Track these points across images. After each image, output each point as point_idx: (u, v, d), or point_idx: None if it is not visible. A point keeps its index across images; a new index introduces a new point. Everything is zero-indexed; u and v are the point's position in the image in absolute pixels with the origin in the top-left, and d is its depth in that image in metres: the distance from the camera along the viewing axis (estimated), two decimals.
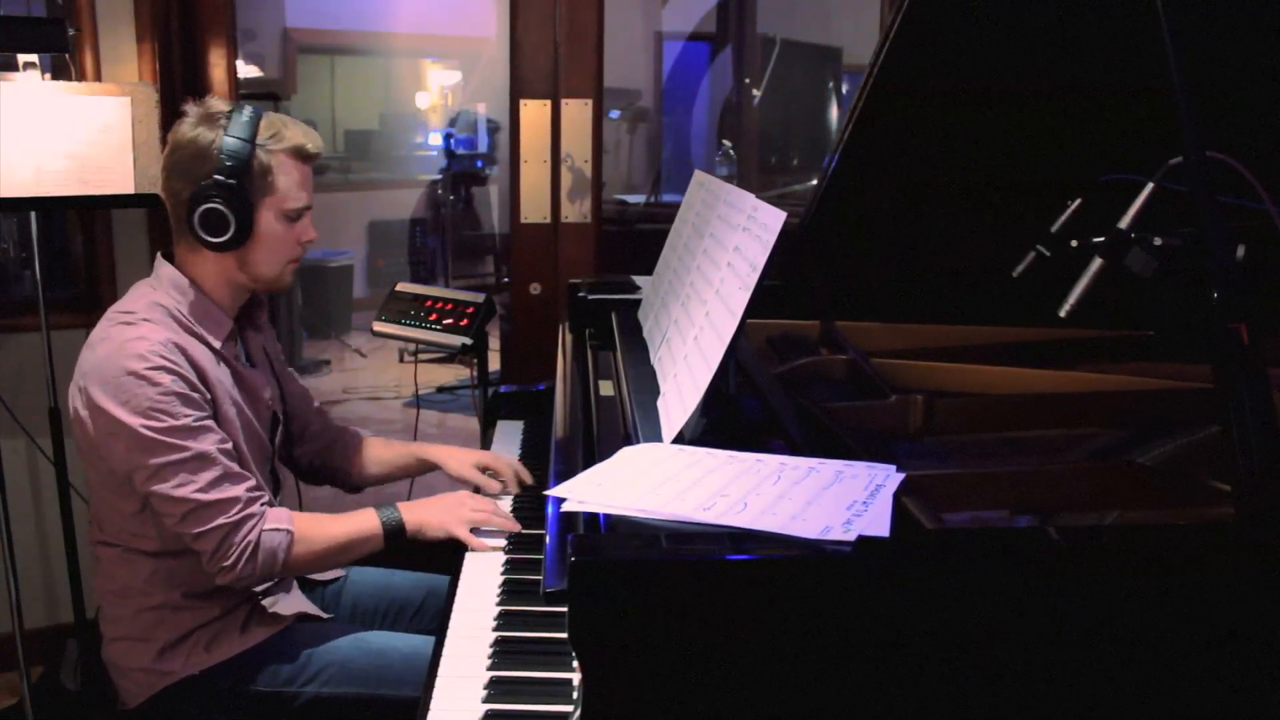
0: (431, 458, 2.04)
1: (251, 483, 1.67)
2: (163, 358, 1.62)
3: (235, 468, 1.66)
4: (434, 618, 1.92)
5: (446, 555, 1.73)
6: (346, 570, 2.02)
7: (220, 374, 1.72)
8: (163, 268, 1.75)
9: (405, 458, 2.07)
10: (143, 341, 1.62)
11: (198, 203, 1.67)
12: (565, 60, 2.82)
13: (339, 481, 2.08)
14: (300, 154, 1.72)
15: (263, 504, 1.67)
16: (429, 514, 1.76)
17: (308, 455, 2.04)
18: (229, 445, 1.67)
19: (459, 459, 2.00)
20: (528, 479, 1.96)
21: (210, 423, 1.66)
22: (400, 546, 1.78)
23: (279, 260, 1.75)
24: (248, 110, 1.70)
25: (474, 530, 1.74)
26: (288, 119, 1.75)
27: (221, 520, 1.61)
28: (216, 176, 1.66)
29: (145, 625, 1.71)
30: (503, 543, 1.72)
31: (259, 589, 1.80)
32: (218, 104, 1.72)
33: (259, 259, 1.73)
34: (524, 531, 1.75)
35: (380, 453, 2.07)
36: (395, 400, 5.41)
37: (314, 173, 1.79)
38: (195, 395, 1.64)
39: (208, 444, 1.63)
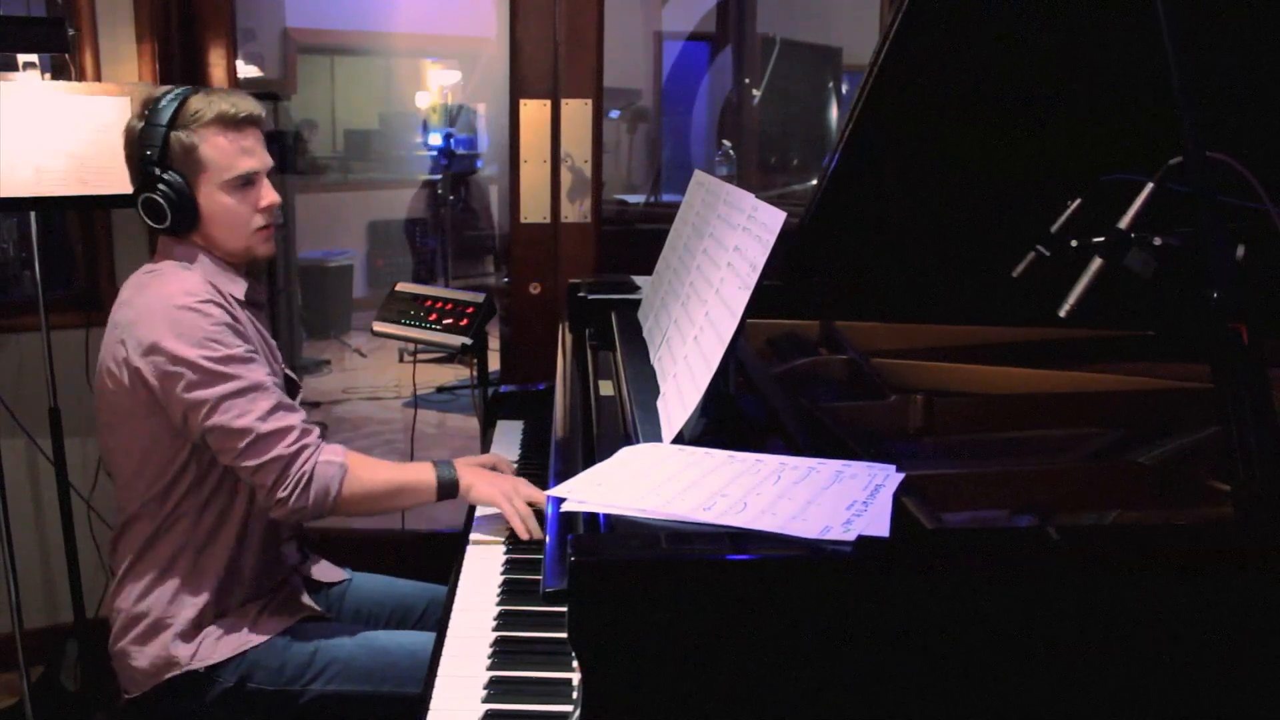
0: None
1: (303, 414, 1.69)
2: (207, 293, 1.66)
3: (287, 398, 1.68)
4: (435, 625, 1.93)
5: (448, 565, 1.73)
6: (350, 575, 2.02)
7: (250, 324, 1.76)
8: (166, 245, 1.77)
9: None
10: (184, 281, 1.67)
11: (138, 194, 1.71)
12: (565, 60, 2.82)
13: None
14: (226, 121, 1.71)
15: (317, 435, 1.69)
16: (481, 479, 1.77)
17: None
18: (278, 379, 1.70)
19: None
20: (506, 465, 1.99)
21: (258, 355, 1.69)
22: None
23: (239, 232, 1.75)
24: (171, 94, 1.71)
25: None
26: (220, 91, 1.76)
27: (281, 450, 1.63)
28: (142, 165, 1.69)
29: (161, 609, 1.71)
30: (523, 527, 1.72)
31: (268, 587, 1.80)
32: (154, 91, 1.75)
33: (218, 235, 1.74)
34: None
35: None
36: (395, 400, 5.41)
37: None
38: (240, 328, 1.68)
39: (260, 374, 1.65)
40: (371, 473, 1.72)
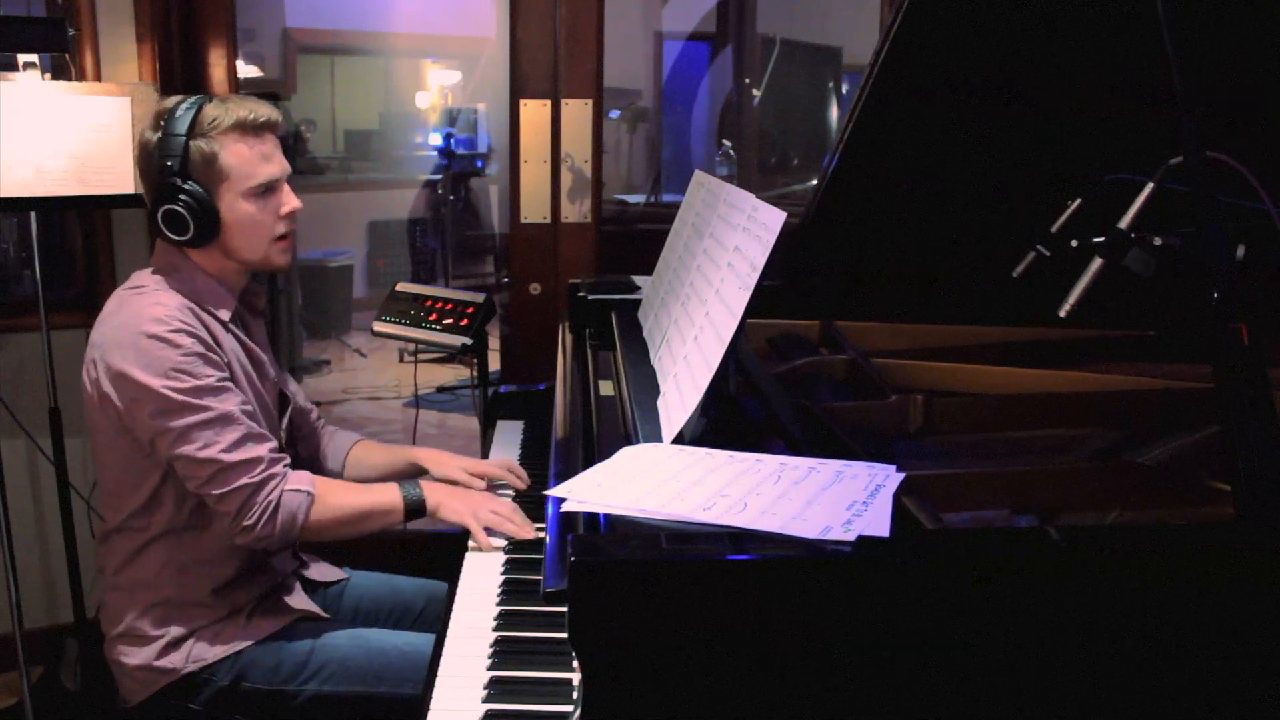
0: (419, 461, 2.04)
1: (273, 443, 1.68)
2: (180, 321, 1.63)
3: (257, 428, 1.66)
4: (434, 623, 1.92)
5: (448, 562, 1.73)
6: (349, 573, 2.02)
7: (232, 344, 1.73)
8: (162, 253, 1.74)
9: (395, 462, 2.06)
10: (159, 307, 1.64)
11: (157, 206, 1.67)
12: (565, 60, 2.82)
13: None
14: (245, 128, 1.68)
15: (285, 465, 1.68)
16: (450, 498, 1.77)
17: (297, 456, 2.03)
18: (250, 406, 1.68)
19: (444, 462, 2.00)
20: (523, 476, 1.96)
21: (230, 384, 1.66)
22: (402, 552, 1.77)
23: (260, 241, 1.73)
24: (186, 103, 1.68)
25: (486, 531, 1.73)
26: (235, 98, 1.72)
27: (245, 480, 1.62)
28: (161, 177, 1.66)
29: (150, 622, 1.71)
30: (503, 543, 1.73)
31: (265, 588, 1.80)
32: (166, 102, 1.71)
33: (238, 244, 1.72)
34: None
35: (371, 456, 2.06)
36: (395, 400, 5.41)
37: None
38: (214, 356, 1.65)
39: (230, 404, 1.63)
40: (339, 498, 1.72)
